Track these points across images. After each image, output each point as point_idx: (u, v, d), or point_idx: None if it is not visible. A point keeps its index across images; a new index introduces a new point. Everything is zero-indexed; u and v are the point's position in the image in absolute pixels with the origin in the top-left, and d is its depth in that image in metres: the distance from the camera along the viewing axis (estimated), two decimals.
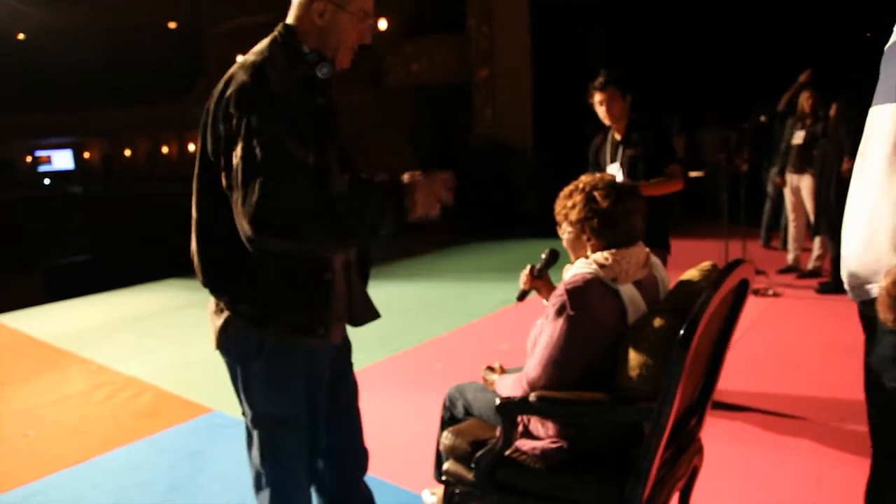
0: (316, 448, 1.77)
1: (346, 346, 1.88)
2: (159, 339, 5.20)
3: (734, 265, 1.60)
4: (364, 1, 1.61)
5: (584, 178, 1.77)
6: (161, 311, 6.31)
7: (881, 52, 1.28)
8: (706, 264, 1.83)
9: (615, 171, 3.15)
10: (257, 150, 1.43)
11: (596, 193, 1.71)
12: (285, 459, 1.67)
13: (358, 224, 1.50)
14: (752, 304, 5.02)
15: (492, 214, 10.28)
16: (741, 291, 1.79)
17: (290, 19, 1.62)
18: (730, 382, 3.39)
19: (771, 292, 5.32)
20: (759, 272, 5.70)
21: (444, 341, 4.70)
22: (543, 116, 10.77)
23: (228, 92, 1.51)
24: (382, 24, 15.59)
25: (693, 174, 8.99)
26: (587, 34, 10.65)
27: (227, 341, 1.62)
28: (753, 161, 6.99)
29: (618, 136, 3.21)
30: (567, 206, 1.76)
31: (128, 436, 3.34)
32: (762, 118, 5.59)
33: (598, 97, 3.16)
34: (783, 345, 4.19)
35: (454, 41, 12.59)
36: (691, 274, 1.79)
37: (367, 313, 1.82)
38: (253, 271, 1.54)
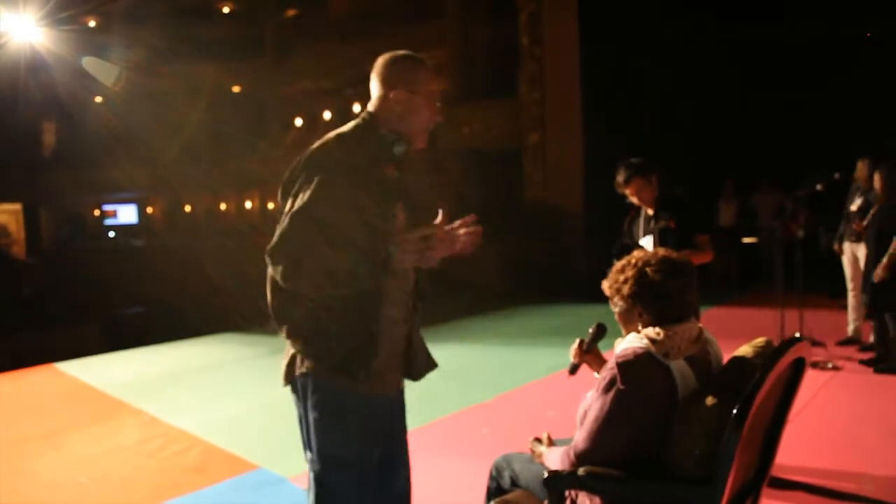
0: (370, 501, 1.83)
1: (402, 406, 1.99)
2: (210, 393, 5.30)
3: (789, 344, 1.58)
4: (431, 83, 1.84)
5: (637, 254, 1.79)
6: (213, 365, 6.44)
7: None
8: (760, 340, 1.81)
9: (647, 243, 3.27)
10: (311, 200, 1.64)
11: (648, 269, 1.72)
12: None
13: (342, 268, 1.64)
14: (810, 378, 4.82)
15: (542, 278, 10.25)
16: (798, 369, 1.76)
17: (371, 107, 1.85)
18: (786, 457, 3.27)
19: (830, 365, 5.13)
20: (817, 344, 5.51)
21: (491, 407, 4.66)
22: (594, 181, 10.82)
23: (302, 158, 1.76)
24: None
25: (746, 240, 8.85)
26: (640, 100, 10.76)
27: (290, 377, 1.79)
28: (810, 227, 6.86)
29: (649, 211, 3.36)
30: (619, 280, 1.77)
31: (176, 489, 3.39)
32: (819, 187, 5.49)
33: (628, 190, 3.34)
34: (842, 421, 4.01)
35: (506, 106, 12.87)
36: (745, 350, 1.77)
37: (427, 366, 1.95)
38: (309, 312, 1.71)
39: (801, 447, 3.45)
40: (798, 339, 1.66)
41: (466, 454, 3.70)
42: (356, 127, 1.82)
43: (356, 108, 19.15)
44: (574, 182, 11.80)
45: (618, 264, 1.80)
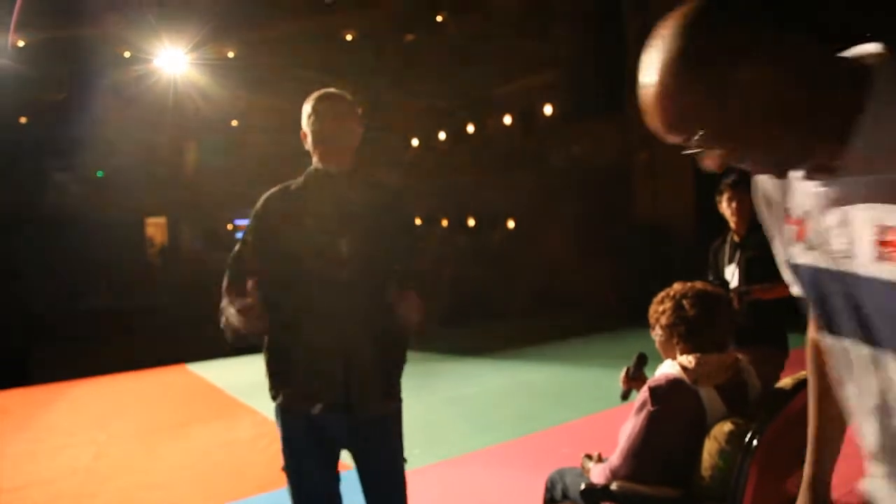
0: None
1: (367, 432, 1.99)
2: None
3: None
4: None
5: (676, 286, 1.91)
6: None
7: None
8: (802, 374, 1.86)
9: (732, 272, 3.17)
10: None
11: (685, 302, 1.84)
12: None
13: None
14: None
15: (648, 300, 10.06)
16: None
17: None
18: None
19: None
20: None
21: (576, 427, 4.75)
22: (706, 199, 10.52)
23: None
24: (548, 109, 16.21)
25: None
26: None
27: None
28: None
29: (736, 238, 3.23)
30: (658, 311, 1.90)
31: (279, 482, 3.75)
32: None
33: (727, 194, 3.22)
34: None
35: (615, 123, 12.79)
36: (785, 382, 1.84)
37: (370, 404, 1.94)
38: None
39: None
40: None
41: (544, 470, 3.84)
42: None
43: (470, 128, 19.63)
44: (685, 200, 11.53)
45: (658, 295, 1.93)
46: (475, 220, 19.63)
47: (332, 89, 1.99)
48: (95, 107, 14.95)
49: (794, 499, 1.89)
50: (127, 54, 14.37)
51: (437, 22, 18.53)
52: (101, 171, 17.53)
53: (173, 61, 12.52)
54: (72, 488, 3.79)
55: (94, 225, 15.73)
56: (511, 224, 18.15)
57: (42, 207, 15.33)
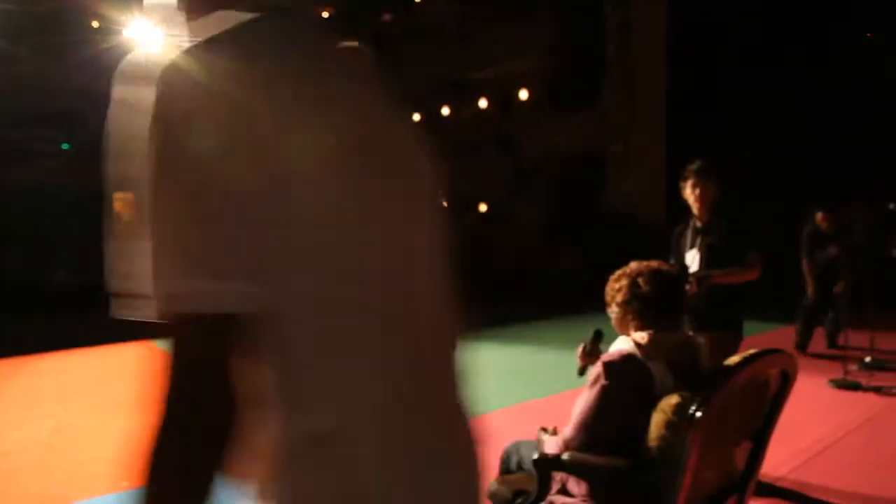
0: None
1: None
2: None
3: (762, 354, 1.71)
4: None
5: (633, 265, 1.96)
6: None
7: None
8: (751, 352, 1.94)
9: (692, 257, 3.25)
10: None
11: (640, 280, 1.90)
12: None
13: None
14: (869, 402, 4.76)
15: None
16: (784, 382, 1.88)
17: None
18: (824, 478, 3.31)
19: None
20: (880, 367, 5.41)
21: (537, 406, 4.84)
22: (677, 192, 10.68)
23: None
24: (523, 95, 16.22)
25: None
26: (728, 112, 10.56)
27: None
28: None
29: (699, 224, 3.31)
30: (614, 288, 1.96)
31: None
32: (892, 205, 5.33)
33: (691, 180, 3.30)
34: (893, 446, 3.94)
35: (590, 114, 12.87)
36: (733, 360, 1.91)
37: None
38: None
39: (842, 469, 3.46)
40: (777, 351, 1.79)
41: (500, 445, 3.91)
42: None
43: (445, 111, 19.55)
44: (657, 192, 11.70)
45: (615, 273, 1.98)
46: (447, 203, 19.62)
47: None
48: (62, 77, 14.57)
49: (739, 468, 1.98)
50: (95, 24, 14.01)
51: (415, 2, 18.39)
52: (66, 144, 17.12)
53: (144, 33, 12.24)
54: (31, 461, 3.76)
55: (60, 198, 15.41)
56: (483, 208, 18.18)
57: (5, 179, 14.95)
